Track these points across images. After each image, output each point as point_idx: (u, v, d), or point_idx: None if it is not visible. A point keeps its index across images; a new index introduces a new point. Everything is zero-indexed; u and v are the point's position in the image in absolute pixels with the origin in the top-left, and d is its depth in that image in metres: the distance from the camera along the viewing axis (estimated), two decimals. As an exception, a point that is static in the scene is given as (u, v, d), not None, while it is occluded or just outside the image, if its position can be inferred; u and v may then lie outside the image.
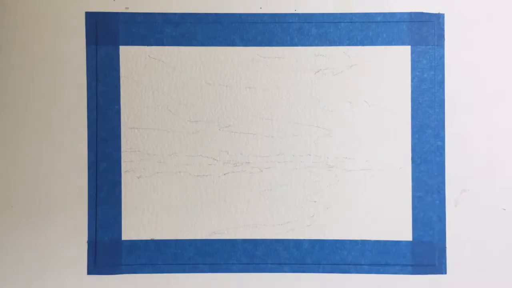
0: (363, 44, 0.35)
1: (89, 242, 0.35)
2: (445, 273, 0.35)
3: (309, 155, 0.35)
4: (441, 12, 0.35)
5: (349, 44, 0.35)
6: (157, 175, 0.35)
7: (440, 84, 0.35)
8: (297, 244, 0.35)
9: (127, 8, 0.35)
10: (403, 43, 0.35)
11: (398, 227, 0.35)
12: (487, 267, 0.35)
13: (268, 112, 0.35)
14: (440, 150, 0.35)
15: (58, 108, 0.35)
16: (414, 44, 0.35)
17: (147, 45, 0.35)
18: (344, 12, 0.35)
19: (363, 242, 0.35)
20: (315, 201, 0.35)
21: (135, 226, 0.35)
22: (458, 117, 0.35)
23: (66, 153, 0.35)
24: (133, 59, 0.35)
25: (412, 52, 0.35)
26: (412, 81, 0.35)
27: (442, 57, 0.35)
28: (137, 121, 0.35)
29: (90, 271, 0.35)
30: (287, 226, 0.35)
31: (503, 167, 0.35)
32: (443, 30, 0.35)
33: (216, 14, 0.35)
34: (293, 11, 0.35)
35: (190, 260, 0.35)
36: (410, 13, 0.35)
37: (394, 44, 0.35)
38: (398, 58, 0.35)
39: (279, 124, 0.35)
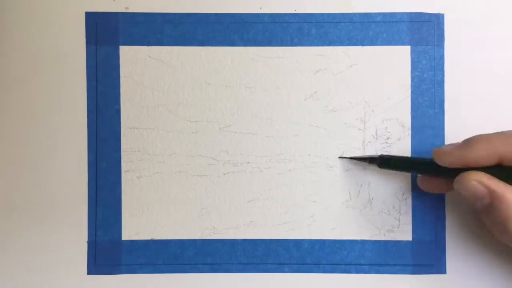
0: (363, 44, 0.35)
1: (89, 242, 0.35)
2: (445, 273, 0.35)
3: (309, 155, 0.35)
4: (441, 12, 0.35)
5: (349, 44, 0.35)
6: (157, 175, 0.35)
7: (440, 84, 0.35)
8: (297, 244, 0.35)
9: (127, 8, 0.35)
10: (403, 43, 0.35)
11: (398, 227, 0.35)
12: (487, 267, 0.35)
13: (268, 112, 0.35)
14: (440, 150, 0.35)
15: (58, 108, 0.35)
16: (414, 44, 0.35)
17: (147, 45, 0.35)
18: (344, 12, 0.35)
19: (363, 242, 0.35)
20: (315, 201, 0.35)
21: (135, 226, 0.35)
22: (458, 117, 0.35)
23: (66, 153, 0.35)
24: (133, 59, 0.35)
25: (412, 52, 0.35)
26: (412, 81, 0.35)
27: (442, 57, 0.35)
28: (137, 121, 0.35)
29: (90, 271, 0.35)
30: (287, 226, 0.35)
31: (503, 167, 0.35)
32: (443, 30, 0.35)
33: (216, 14, 0.35)
34: (293, 11, 0.35)
35: (190, 260, 0.35)
36: (410, 13, 0.35)
37: (394, 44, 0.35)
38: (398, 58, 0.35)
39: (279, 124, 0.35)
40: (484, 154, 0.28)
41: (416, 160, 0.32)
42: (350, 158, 0.34)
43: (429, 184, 0.33)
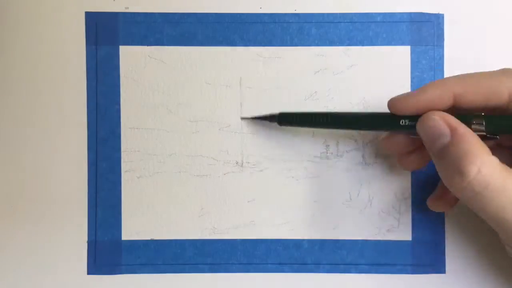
0: (363, 44, 0.35)
1: (89, 242, 0.35)
2: (445, 273, 0.35)
3: (309, 155, 0.35)
4: (441, 12, 0.35)
5: (349, 44, 0.35)
6: (157, 175, 0.35)
7: (439, 84, 0.35)
8: (297, 244, 0.35)
9: (127, 8, 0.35)
10: (403, 43, 0.35)
11: (398, 227, 0.35)
12: (487, 267, 0.35)
13: (268, 112, 0.35)
14: (440, 150, 0.35)
15: (58, 108, 0.35)
16: (413, 44, 0.35)
17: (147, 45, 0.35)
18: (344, 12, 0.35)
19: (363, 242, 0.35)
20: (315, 201, 0.35)
21: (135, 226, 0.35)
22: (458, 117, 0.35)
23: (66, 153, 0.35)
24: (133, 59, 0.35)
25: (412, 52, 0.35)
26: (412, 81, 0.35)
27: (441, 57, 0.35)
28: (137, 121, 0.35)
29: (90, 271, 0.35)
30: (287, 226, 0.35)
31: (503, 167, 0.35)
32: (443, 30, 0.35)
33: (216, 14, 0.35)
34: (293, 11, 0.35)
35: (190, 260, 0.35)
36: (410, 13, 0.35)
37: (394, 44, 0.35)
38: (398, 58, 0.35)
39: (279, 124, 0.35)
40: (437, 95, 0.27)
41: (317, 114, 0.32)
42: (252, 118, 0.34)
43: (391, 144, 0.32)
